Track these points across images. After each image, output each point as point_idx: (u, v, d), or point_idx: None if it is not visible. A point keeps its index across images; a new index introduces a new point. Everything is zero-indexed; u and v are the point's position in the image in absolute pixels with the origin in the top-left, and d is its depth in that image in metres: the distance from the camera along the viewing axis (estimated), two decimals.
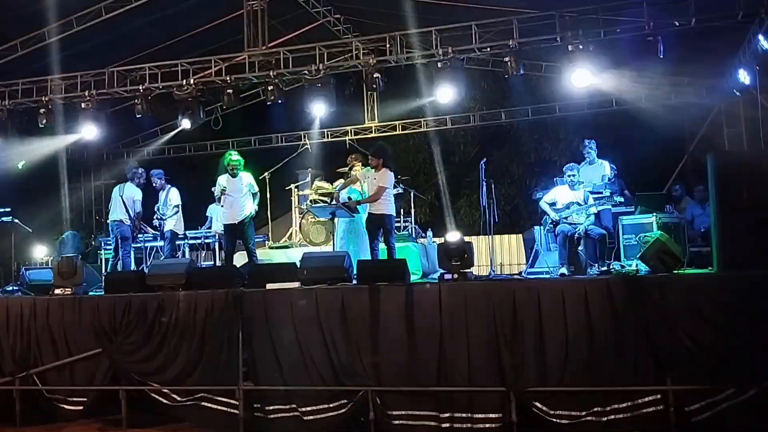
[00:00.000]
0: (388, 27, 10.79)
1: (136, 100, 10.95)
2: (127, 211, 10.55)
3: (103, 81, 11.07)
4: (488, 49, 9.95)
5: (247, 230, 9.58)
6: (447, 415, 7.05)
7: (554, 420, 6.81)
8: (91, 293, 9.11)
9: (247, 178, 9.68)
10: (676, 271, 7.42)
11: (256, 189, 9.81)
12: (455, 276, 7.62)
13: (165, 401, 7.88)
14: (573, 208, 8.85)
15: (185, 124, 11.29)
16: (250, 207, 9.61)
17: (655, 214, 9.17)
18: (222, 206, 9.78)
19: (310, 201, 11.79)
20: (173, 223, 10.87)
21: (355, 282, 8.00)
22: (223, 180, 9.63)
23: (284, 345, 7.62)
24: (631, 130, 14.86)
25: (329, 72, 10.34)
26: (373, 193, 9.05)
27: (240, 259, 10.44)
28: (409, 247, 10.59)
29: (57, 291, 8.90)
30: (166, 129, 15.11)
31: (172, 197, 10.85)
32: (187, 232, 11.51)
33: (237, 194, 9.54)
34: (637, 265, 8.19)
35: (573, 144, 15.03)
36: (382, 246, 9.11)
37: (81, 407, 8.23)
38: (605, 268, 8.34)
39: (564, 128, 15.47)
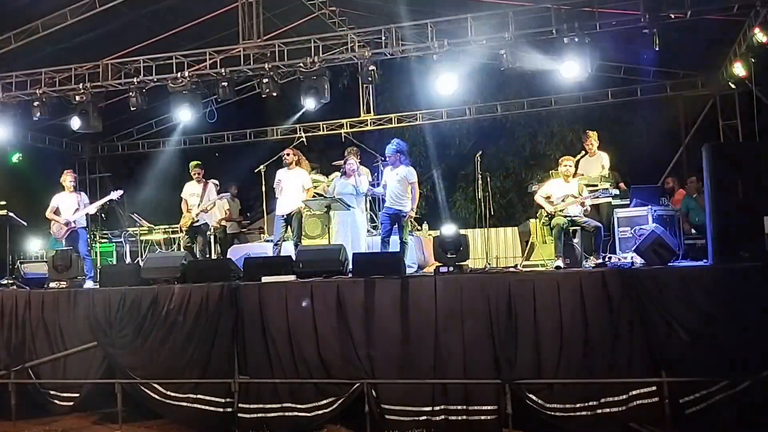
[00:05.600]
0: (383, 19, 10.75)
1: (130, 93, 10.91)
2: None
3: (98, 74, 11.02)
4: (484, 41, 9.93)
5: (294, 222, 9.72)
6: (442, 407, 7.08)
7: (549, 412, 6.83)
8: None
9: (299, 173, 9.88)
10: (670, 264, 7.43)
11: (309, 185, 9.95)
12: (450, 269, 7.63)
13: (159, 395, 7.87)
14: (568, 200, 8.85)
15: (179, 116, 11.25)
16: (298, 200, 9.73)
17: (650, 206, 9.18)
18: (278, 197, 9.94)
19: None
20: (208, 217, 10.89)
21: (350, 275, 8.00)
22: (280, 173, 9.90)
23: (279, 338, 7.62)
24: (627, 122, 14.89)
25: (324, 65, 10.31)
26: (413, 192, 9.21)
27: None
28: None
29: (52, 284, 8.91)
30: (161, 122, 15.09)
31: (212, 192, 10.83)
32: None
33: (289, 188, 9.74)
34: (632, 258, 8.20)
35: (567, 138, 15.04)
36: (394, 238, 9.15)
37: (76, 401, 8.23)
38: (600, 261, 8.35)
39: (558, 122, 15.47)
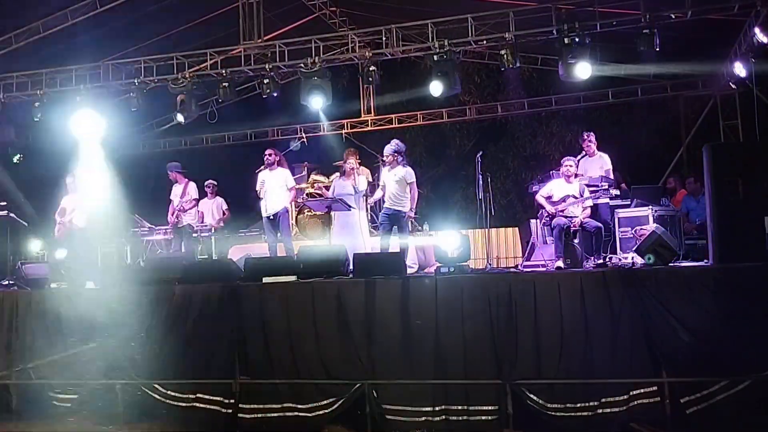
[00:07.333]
0: (383, 20, 10.75)
1: (131, 94, 10.91)
2: None
3: (99, 74, 11.03)
4: (484, 42, 9.93)
5: (281, 223, 9.66)
6: (442, 407, 7.07)
7: (550, 412, 6.82)
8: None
9: (283, 173, 9.83)
10: (671, 264, 7.43)
11: (292, 184, 9.93)
12: (451, 269, 7.64)
13: (160, 396, 7.87)
14: (569, 201, 8.86)
15: (180, 117, 11.26)
16: (282, 201, 9.69)
17: (650, 206, 9.17)
18: (262, 198, 9.91)
19: (307, 195, 11.78)
20: (191, 216, 10.91)
21: (351, 276, 8.00)
22: (262, 174, 9.85)
23: (280, 339, 7.62)
24: (627, 122, 14.90)
25: (325, 65, 10.31)
26: (411, 192, 9.17)
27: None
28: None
29: (53, 285, 8.91)
30: (161, 122, 15.09)
31: (191, 190, 10.85)
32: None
33: (273, 188, 9.72)
34: (632, 258, 8.20)
35: (566, 138, 15.05)
36: (394, 239, 9.15)
37: (77, 401, 8.22)
38: (601, 261, 8.34)
39: (557, 122, 15.48)
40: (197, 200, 11.05)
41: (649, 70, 12.18)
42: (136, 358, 7.99)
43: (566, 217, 8.77)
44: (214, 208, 11.67)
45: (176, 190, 10.87)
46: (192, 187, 10.88)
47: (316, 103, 10.55)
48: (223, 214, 11.66)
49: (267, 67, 10.47)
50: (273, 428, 7.49)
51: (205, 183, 11.70)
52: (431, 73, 10.04)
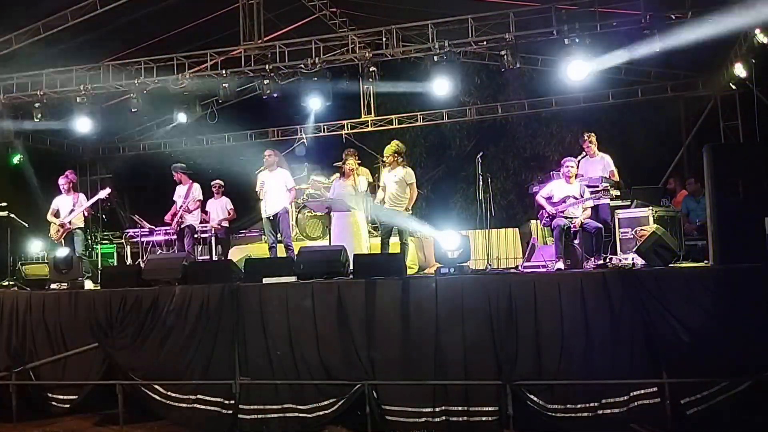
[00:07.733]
0: (384, 21, 10.76)
1: (131, 95, 10.92)
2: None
3: (99, 75, 11.03)
4: (484, 42, 9.93)
5: (281, 224, 9.67)
6: (443, 408, 7.06)
7: (550, 413, 6.81)
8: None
9: (283, 173, 9.85)
10: (671, 265, 7.43)
11: (292, 184, 9.94)
12: (451, 270, 7.64)
13: (160, 396, 7.86)
14: (569, 201, 8.85)
15: (181, 118, 11.28)
16: (282, 201, 9.72)
17: (651, 207, 9.17)
18: (262, 199, 9.93)
19: (307, 195, 11.79)
20: (194, 217, 10.94)
21: (351, 276, 8.00)
22: (262, 175, 9.84)
23: (280, 339, 7.62)
24: (627, 123, 14.90)
25: (325, 66, 10.32)
26: (410, 192, 9.14)
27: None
28: None
29: (53, 285, 8.91)
30: (162, 123, 15.10)
31: (195, 192, 10.88)
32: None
33: (273, 189, 9.73)
34: (633, 259, 8.20)
35: (566, 139, 15.05)
36: (394, 240, 9.14)
37: (76, 402, 8.21)
38: (601, 262, 8.34)
39: (557, 122, 15.48)
40: (201, 201, 11.03)
41: (650, 71, 12.20)
42: (136, 358, 7.99)
43: (566, 217, 8.77)
44: (219, 207, 11.70)
45: (180, 191, 10.88)
46: (196, 188, 10.87)
47: (316, 103, 10.55)
48: (228, 213, 11.68)
49: (267, 67, 10.49)
50: (273, 429, 7.48)
51: (212, 183, 11.73)
52: (431, 74, 10.05)
